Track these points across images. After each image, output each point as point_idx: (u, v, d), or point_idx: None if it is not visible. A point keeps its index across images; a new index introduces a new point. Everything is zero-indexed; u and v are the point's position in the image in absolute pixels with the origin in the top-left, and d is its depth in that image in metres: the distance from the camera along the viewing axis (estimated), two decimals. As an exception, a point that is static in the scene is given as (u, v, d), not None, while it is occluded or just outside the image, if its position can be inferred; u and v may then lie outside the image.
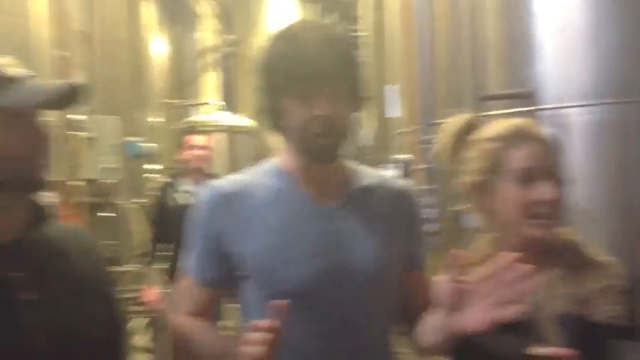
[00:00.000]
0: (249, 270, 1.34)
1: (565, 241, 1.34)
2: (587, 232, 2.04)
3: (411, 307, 1.42)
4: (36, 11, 2.76)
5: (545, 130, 1.32)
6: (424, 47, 2.57)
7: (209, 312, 1.43)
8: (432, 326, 1.25)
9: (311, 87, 1.26)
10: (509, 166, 1.29)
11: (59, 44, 3.12)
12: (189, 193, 3.51)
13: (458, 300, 1.12)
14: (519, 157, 1.28)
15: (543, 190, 1.25)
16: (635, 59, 2.10)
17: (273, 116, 1.35)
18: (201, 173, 3.60)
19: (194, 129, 5.00)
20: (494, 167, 1.31)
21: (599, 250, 1.36)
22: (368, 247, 1.34)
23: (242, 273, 1.35)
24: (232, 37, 7.39)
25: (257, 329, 1.14)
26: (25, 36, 2.66)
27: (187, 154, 3.57)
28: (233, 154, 5.37)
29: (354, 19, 5.56)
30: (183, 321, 1.40)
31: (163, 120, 5.62)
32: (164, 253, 3.53)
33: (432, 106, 2.54)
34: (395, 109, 3.10)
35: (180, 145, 3.72)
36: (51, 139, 1.12)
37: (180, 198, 3.50)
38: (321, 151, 1.30)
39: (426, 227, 2.42)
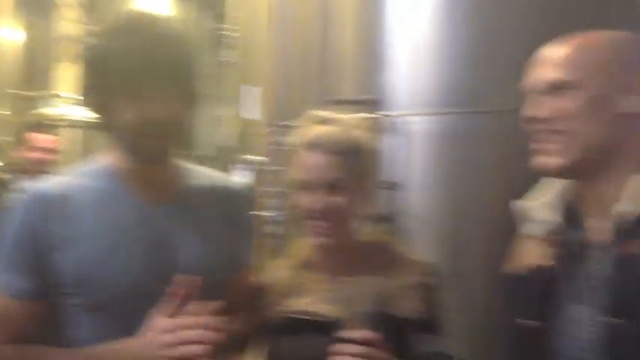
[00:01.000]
0: (72, 278, 1.26)
1: (376, 242, 1.40)
2: (420, 235, 2.18)
3: (232, 304, 1.42)
4: None
5: (352, 139, 1.34)
6: (282, 49, 2.56)
7: (28, 331, 1.28)
8: None
9: (142, 87, 1.21)
10: (295, 175, 1.34)
11: None
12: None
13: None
14: (300, 168, 1.33)
15: (313, 200, 1.29)
16: (477, 72, 2.22)
17: (101, 114, 1.28)
18: (42, 174, 3.34)
19: (41, 123, 4.66)
20: (292, 173, 1.37)
21: (409, 250, 1.45)
22: (194, 249, 1.32)
23: (62, 282, 1.26)
24: (94, 27, 7.02)
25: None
26: None
27: (28, 154, 3.27)
28: (87, 151, 5.08)
29: (222, 17, 5.50)
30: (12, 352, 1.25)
31: (9, 112, 5.20)
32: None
33: (286, 108, 2.54)
34: (254, 111, 3.08)
35: (21, 142, 3.42)
36: None
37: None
38: (149, 153, 1.27)
39: (274, 229, 2.42)
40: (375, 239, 1.41)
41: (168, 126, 1.24)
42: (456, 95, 2.22)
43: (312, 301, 1.33)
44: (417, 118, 2.27)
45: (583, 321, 1.06)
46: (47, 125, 4.63)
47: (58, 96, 5.80)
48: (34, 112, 5.16)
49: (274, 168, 2.45)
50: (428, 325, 1.31)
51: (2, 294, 1.27)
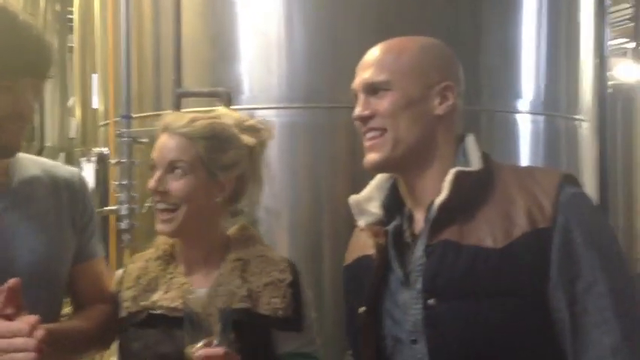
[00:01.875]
0: None
1: (239, 237, 1.40)
2: (270, 227, 2.22)
3: (79, 297, 1.39)
4: None
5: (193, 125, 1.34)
6: (125, 37, 2.49)
7: None
8: None
9: (18, 77, 1.17)
10: None
11: None
12: None
13: None
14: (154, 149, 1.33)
15: (153, 179, 1.29)
16: (321, 69, 2.30)
17: None
18: None
19: None
20: None
21: (270, 246, 1.44)
22: (30, 242, 1.27)
23: None
24: None
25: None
26: None
27: None
28: None
29: (68, 1, 5.17)
30: None
31: None
32: None
33: (131, 99, 2.47)
34: (96, 100, 2.96)
35: None
36: None
37: None
38: (9, 146, 1.22)
39: (120, 224, 2.36)
40: (238, 234, 1.40)
41: (30, 118, 1.21)
42: (306, 89, 2.29)
43: (170, 295, 1.30)
44: (266, 112, 2.31)
45: (408, 304, 1.15)
46: None
47: None
48: None
49: (119, 160, 2.38)
50: (291, 322, 1.32)
51: None
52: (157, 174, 1.29)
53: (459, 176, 1.13)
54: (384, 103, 1.15)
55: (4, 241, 1.24)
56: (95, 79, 3.07)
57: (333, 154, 2.30)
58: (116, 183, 2.36)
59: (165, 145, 1.30)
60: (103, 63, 2.84)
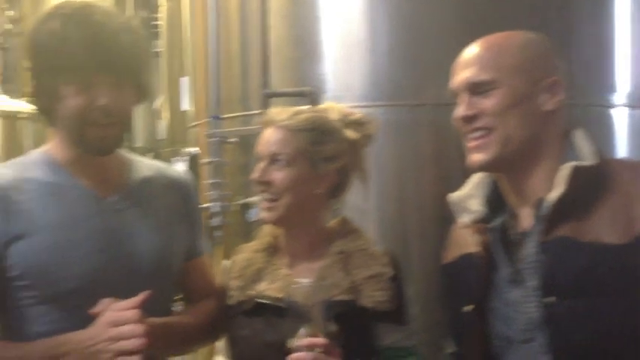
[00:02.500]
0: (23, 272, 1.24)
1: (343, 230, 1.43)
2: (359, 223, 2.23)
3: (189, 293, 1.46)
4: None
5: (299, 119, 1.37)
6: (214, 41, 2.57)
7: None
8: None
9: (92, 74, 1.21)
10: None
11: None
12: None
13: None
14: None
15: (257, 170, 1.34)
16: (404, 67, 2.29)
17: (46, 101, 1.26)
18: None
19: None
20: None
21: (371, 240, 1.46)
22: (150, 239, 1.33)
23: (13, 275, 1.25)
24: (14, 13, 6.73)
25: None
26: None
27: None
28: (12, 142, 4.87)
29: (154, 8, 5.36)
30: None
31: None
32: None
33: (220, 100, 2.55)
34: (184, 102, 3.07)
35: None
36: None
37: None
38: (98, 143, 1.26)
39: (212, 221, 2.44)
40: (340, 227, 1.42)
41: (117, 116, 1.25)
42: (389, 87, 2.28)
43: (275, 285, 1.34)
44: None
45: (520, 303, 1.14)
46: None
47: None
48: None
49: (210, 160, 2.46)
50: (392, 315, 1.33)
51: None
52: (261, 165, 1.34)
53: (576, 171, 1.11)
54: (490, 102, 1.14)
55: (124, 238, 1.31)
56: (184, 82, 3.18)
57: (418, 152, 2.29)
58: (208, 182, 2.44)
59: (269, 137, 1.35)
60: (192, 67, 2.94)
